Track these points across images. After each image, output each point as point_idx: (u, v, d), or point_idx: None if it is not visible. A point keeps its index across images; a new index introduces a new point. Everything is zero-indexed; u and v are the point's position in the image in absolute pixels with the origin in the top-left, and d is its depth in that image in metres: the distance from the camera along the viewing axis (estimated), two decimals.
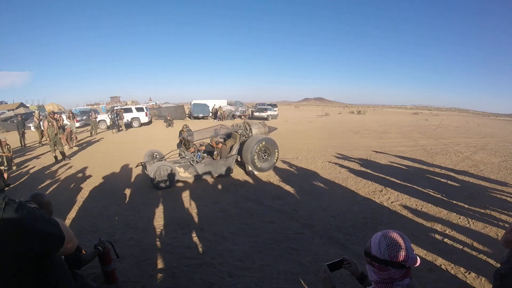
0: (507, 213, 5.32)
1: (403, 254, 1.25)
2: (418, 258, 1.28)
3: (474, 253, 3.95)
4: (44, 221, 1.13)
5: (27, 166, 9.23)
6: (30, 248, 1.08)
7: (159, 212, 5.38)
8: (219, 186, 6.96)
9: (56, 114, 10.55)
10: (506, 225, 4.76)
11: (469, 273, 3.47)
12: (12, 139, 13.40)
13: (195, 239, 4.35)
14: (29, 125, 18.38)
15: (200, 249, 4.04)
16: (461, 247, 4.10)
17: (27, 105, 40.17)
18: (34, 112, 17.30)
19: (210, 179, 7.49)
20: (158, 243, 4.23)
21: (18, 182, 7.34)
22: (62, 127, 11.74)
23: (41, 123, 14.50)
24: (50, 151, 9.83)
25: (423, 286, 3.19)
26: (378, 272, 1.32)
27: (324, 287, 1.60)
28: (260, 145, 7.83)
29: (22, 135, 13.48)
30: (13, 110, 32.74)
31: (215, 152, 7.99)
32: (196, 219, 5.08)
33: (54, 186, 7.08)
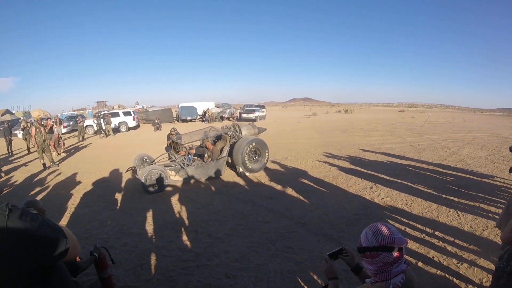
0: (495, 204, 5.47)
1: (389, 236, 1.34)
2: (405, 238, 1.36)
3: (465, 244, 4.05)
4: (48, 227, 1.10)
5: (15, 174, 9.04)
6: (35, 255, 1.05)
7: (152, 216, 5.34)
8: (211, 188, 6.95)
9: (48, 120, 10.37)
10: (495, 216, 4.89)
11: (461, 264, 3.56)
12: None
13: (190, 241, 4.34)
14: (15, 132, 17.99)
15: (196, 251, 4.03)
16: (452, 239, 4.20)
17: (13, 111, 39.41)
18: (20, 118, 16.69)
19: (201, 182, 7.46)
20: (153, 247, 4.20)
21: (7, 190, 7.18)
22: (51, 131, 11.51)
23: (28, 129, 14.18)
24: (38, 158, 9.66)
25: (417, 277, 3.26)
26: (372, 262, 1.38)
27: (326, 277, 1.66)
28: (250, 146, 7.86)
29: (9, 142, 13.20)
30: None
31: (206, 155, 7.99)
32: (189, 222, 5.06)
33: (44, 193, 6.95)
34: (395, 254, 1.33)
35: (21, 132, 13.51)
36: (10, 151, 13.14)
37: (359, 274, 1.75)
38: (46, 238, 1.07)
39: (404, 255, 1.39)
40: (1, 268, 0.98)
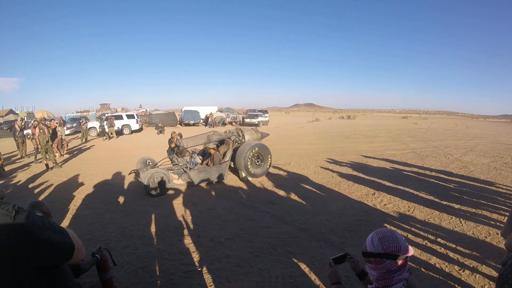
0: (498, 211, 5.45)
1: (395, 244, 1.33)
2: (410, 247, 1.35)
3: (467, 251, 4.04)
4: (54, 230, 1.11)
5: (17, 174, 9.09)
6: (40, 258, 1.06)
7: (154, 219, 5.35)
8: (213, 193, 6.95)
9: (52, 121, 10.35)
10: (498, 223, 4.88)
11: (463, 271, 3.55)
12: (1, 146, 13.19)
13: (192, 245, 4.34)
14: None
15: (197, 255, 4.03)
16: (454, 246, 4.19)
17: (17, 111, 39.69)
18: (24, 118, 16.21)
19: (203, 186, 7.47)
20: (154, 250, 4.20)
21: (9, 191, 7.21)
22: (55, 132, 11.50)
23: (29, 130, 14.15)
24: (40, 158, 9.71)
25: (419, 284, 3.25)
26: (376, 268, 1.38)
27: (330, 281, 1.66)
28: (253, 151, 7.86)
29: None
30: (2, 117, 32.33)
31: (209, 159, 8.00)
32: (191, 226, 5.07)
33: (46, 193, 6.99)
34: (400, 262, 1.33)
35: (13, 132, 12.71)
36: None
37: (364, 280, 1.75)
38: (52, 240, 1.08)
39: (408, 263, 1.39)
40: (6, 269, 0.99)
